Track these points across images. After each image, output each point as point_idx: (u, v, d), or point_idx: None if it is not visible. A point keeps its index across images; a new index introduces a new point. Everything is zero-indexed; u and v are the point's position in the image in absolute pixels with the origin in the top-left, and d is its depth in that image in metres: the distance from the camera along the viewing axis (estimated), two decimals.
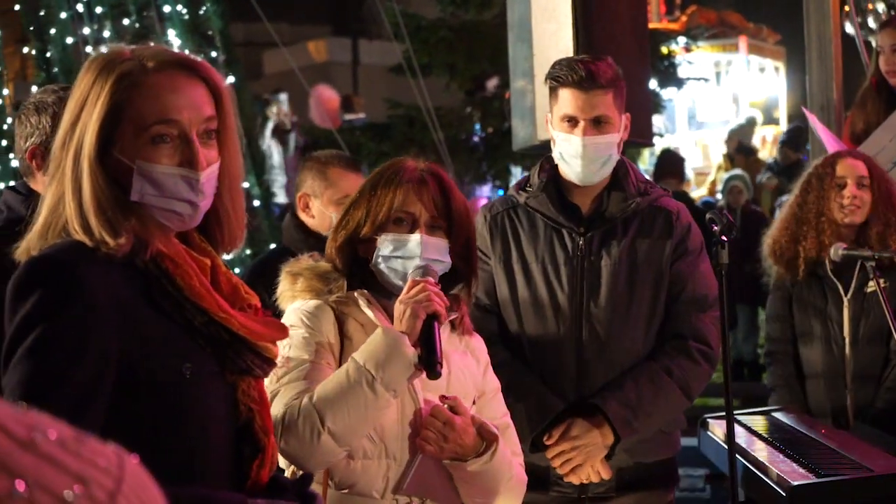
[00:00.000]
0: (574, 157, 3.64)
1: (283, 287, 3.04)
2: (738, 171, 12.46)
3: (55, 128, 3.26)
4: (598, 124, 3.63)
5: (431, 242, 2.97)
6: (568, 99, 3.64)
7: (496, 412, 3.14)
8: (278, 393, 2.79)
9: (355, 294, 2.99)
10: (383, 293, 3.03)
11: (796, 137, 13.38)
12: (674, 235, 3.73)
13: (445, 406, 2.90)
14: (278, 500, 2.23)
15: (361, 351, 2.81)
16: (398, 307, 2.86)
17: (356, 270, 3.03)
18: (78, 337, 2.05)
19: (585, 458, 3.56)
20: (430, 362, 2.77)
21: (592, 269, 3.68)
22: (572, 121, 3.64)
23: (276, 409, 2.74)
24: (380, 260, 2.97)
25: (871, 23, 7.81)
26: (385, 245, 2.96)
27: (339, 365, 2.89)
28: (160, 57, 2.21)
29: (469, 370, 3.07)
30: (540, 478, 3.61)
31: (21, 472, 0.90)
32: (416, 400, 2.91)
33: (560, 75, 3.66)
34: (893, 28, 5.65)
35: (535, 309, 3.69)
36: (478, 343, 3.19)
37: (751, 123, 16.97)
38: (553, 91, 3.69)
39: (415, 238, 2.95)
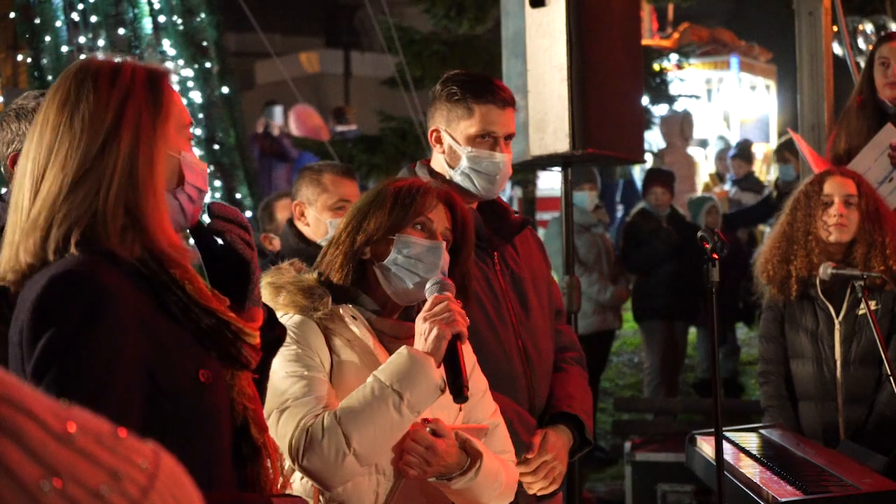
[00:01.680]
0: (494, 173, 3.62)
1: (265, 297, 2.95)
2: (706, 194, 12.62)
3: None
4: (507, 141, 3.67)
5: (447, 257, 2.99)
6: (488, 115, 3.61)
7: (486, 412, 3.15)
8: (286, 409, 2.76)
9: (340, 310, 2.95)
10: (374, 304, 3.02)
11: (746, 150, 13.84)
12: (543, 249, 3.90)
13: (427, 429, 2.88)
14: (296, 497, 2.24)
15: (386, 371, 2.78)
16: (421, 324, 2.84)
17: (357, 277, 3.01)
18: (108, 354, 2.04)
19: (563, 466, 3.61)
20: (456, 386, 2.75)
21: (511, 284, 3.70)
22: (489, 137, 3.62)
23: (290, 426, 2.73)
24: (399, 259, 2.95)
25: (861, 44, 7.85)
26: (406, 246, 2.95)
27: (331, 380, 2.88)
28: (160, 67, 2.35)
29: None
30: None
31: (55, 464, 0.92)
32: None
33: (480, 91, 3.63)
34: None
35: (485, 327, 3.61)
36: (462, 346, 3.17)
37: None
38: (463, 105, 3.62)
39: (440, 246, 2.96)
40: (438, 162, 3.73)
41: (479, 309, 3.58)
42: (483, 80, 3.72)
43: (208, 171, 2.43)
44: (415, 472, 2.85)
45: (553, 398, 3.67)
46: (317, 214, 4.69)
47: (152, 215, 2.14)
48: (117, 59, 2.29)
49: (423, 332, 2.82)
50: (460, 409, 3.08)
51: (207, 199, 2.38)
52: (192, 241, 2.42)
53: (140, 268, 2.13)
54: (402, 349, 2.81)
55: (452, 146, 3.65)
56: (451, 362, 2.79)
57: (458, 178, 3.64)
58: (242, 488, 2.26)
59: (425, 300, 2.92)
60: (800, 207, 4.70)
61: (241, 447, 2.27)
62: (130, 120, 2.17)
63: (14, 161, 3.33)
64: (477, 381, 3.16)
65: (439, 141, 3.69)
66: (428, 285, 2.91)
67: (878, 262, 4.56)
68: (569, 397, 3.66)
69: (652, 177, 10.32)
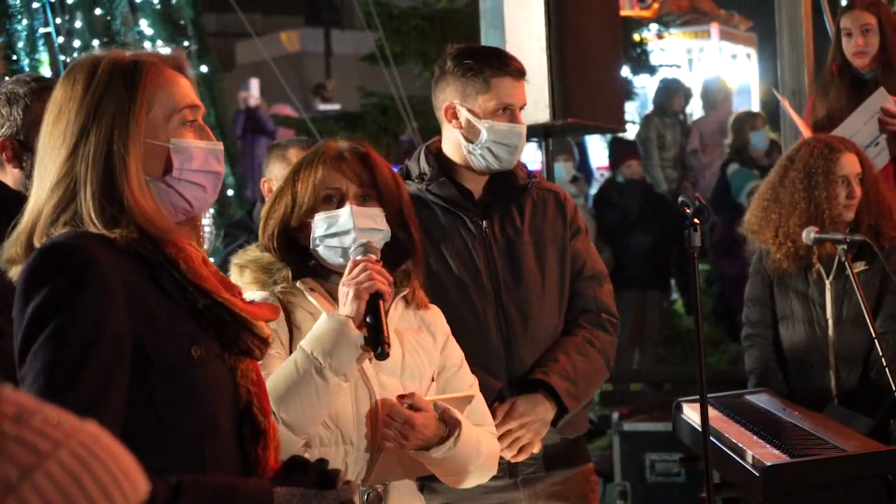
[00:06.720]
0: (515, 144, 3.65)
1: (232, 278, 3.01)
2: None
3: (27, 120, 3.26)
4: (520, 112, 3.70)
5: (363, 212, 2.97)
6: (506, 87, 3.64)
7: (462, 384, 3.16)
8: None
9: (298, 284, 3.00)
10: (330, 277, 3.04)
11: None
12: (567, 214, 3.83)
13: (405, 404, 2.88)
14: (297, 487, 2.22)
15: (308, 339, 2.82)
16: (341, 289, 2.87)
17: (299, 258, 3.04)
18: (94, 323, 2.09)
19: (534, 435, 3.56)
20: (376, 343, 2.77)
21: (503, 251, 3.70)
22: (508, 109, 3.64)
23: None
24: (317, 241, 2.98)
25: None
26: (318, 225, 2.98)
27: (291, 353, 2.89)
28: (164, 55, 2.39)
29: (424, 346, 3.08)
30: None
31: None
32: (367, 384, 2.92)
33: (495, 64, 3.65)
34: (859, 9, 5.60)
35: (456, 294, 3.63)
36: (434, 316, 3.18)
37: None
38: (480, 78, 3.63)
39: (345, 211, 2.96)
40: (451, 138, 3.72)
41: (452, 277, 3.62)
42: (496, 52, 3.76)
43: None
44: (392, 446, 2.87)
45: (537, 364, 3.64)
46: None
47: (133, 204, 2.20)
48: (106, 53, 2.33)
49: (343, 295, 2.86)
50: (432, 380, 3.09)
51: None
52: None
53: (136, 248, 2.19)
54: (322, 315, 2.85)
55: (471, 120, 3.65)
56: (372, 321, 2.81)
57: (477, 153, 3.65)
58: (246, 471, 2.29)
59: None
60: (817, 186, 4.62)
61: (244, 430, 2.30)
62: (103, 116, 2.23)
63: (3, 146, 3.31)
64: (452, 353, 3.18)
65: (455, 116, 3.68)
66: (352, 248, 2.94)
67: (889, 229, 4.56)
68: (552, 362, 3.62)
69: (621, 148, 10.26)
